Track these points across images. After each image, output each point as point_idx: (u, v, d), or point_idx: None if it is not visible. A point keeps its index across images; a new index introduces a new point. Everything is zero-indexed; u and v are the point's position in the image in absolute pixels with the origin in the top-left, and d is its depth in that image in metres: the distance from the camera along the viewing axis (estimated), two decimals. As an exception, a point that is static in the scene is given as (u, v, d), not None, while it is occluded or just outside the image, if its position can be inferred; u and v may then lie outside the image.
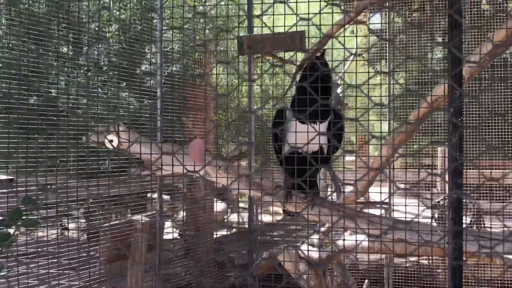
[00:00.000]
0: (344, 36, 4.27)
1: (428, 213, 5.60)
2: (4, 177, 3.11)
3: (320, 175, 4.25)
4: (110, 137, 1.87)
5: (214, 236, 6.35)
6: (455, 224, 1.28)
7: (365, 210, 2.26)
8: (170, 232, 5.74)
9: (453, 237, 1.28)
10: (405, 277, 5.43)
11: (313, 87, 2.17)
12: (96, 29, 5.27)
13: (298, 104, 2.27)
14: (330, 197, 3.95)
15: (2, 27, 4.64)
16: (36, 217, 1.26)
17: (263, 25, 2.90)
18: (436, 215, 5.41)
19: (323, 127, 2.19)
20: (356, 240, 2.87)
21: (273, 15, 2.54)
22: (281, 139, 2.27)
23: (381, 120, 6.04)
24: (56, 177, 3.03)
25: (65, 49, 5.19)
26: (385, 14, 6.32)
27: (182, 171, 1.83)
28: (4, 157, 3.34)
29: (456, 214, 1.29)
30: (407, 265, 5.61)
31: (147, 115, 5.21)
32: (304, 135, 2.06)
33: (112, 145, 1.89)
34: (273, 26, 2.27)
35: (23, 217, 1.21)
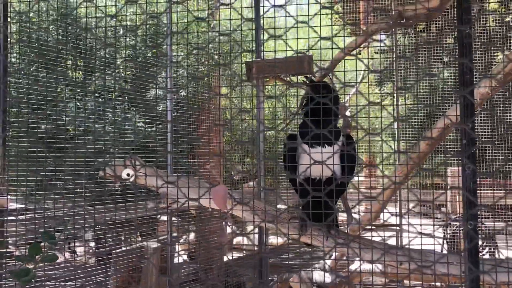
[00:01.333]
0: (356, 57, 4.30)
1: (440, 232, 5.54)
2: (20, 205, 3.14)
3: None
4: (127, 171, 1.89)
5: (225, 259, 6.32)
6: (471, 255, 1.28)
7: (378, 233, 2.25)
8: (180, 255, 5.72)
9: (470, 268, 1.28)
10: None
11: (318, 110, 2.14)
12: (107, 56, 5.36)
13: (305, 128, 2.23)
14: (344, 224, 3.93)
15: (14, 54, 4.73)
16: (53, 251, 1.28)
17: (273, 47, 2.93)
18: (448, 236, 5.36)
19: (330, 152, 2.11)
20: (372, 269, 2.84)
21: (286, 39, 2.58)
22: (294, 169, 2.23)
23: (385, 139, 6.04)
24: (66, 202, 3.05)
25: (75, 75, 5.29)
26: (392, 36, 6.37)
27: (197, 203, 1.84)
28: (19, 184, 3.38)
29: (471, 245, 1.28)
30: None
31: (158, 139, 5.25)
32: (316, 160, 2.03)
33: (129, 180, 1.90)
34: (283, 49, 2.29)
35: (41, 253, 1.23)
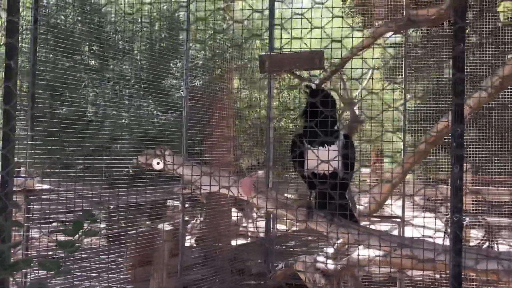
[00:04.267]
0: (362, 58, 4.45)
1: (442, 226, 5.70)
2: (46, 186, 3.37)
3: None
4: (157, 160, 2.10)
5: (232, 244, 6.53)
6: (455, 243, 1.47)
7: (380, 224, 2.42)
8: (188, 239, 5.93)
9: (453, 255, 1.46)
10: (418, 290, 5.54)
11: (316, 113, 2.37)
12: (124, 44, 5.54)
13: (305, 130, 2.48)
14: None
15: (40, 42, 4.92)
16: (95, 228, 1.47)
17: (284, 39, 3.09)
18: (449, 230, 5.51)
19: (332, 150, 2.37)
20: (369, 256, 3.03)
21: (299, 37, 2.74)
22: (301, 164, 2.48)
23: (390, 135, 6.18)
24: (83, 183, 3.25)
25: (92, 62, 5.47)
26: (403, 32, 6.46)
27: (217, 189, 2.04)
28: (43, 166, 3.59)
29: (456, 235, 1.46)
30: (419, 278, 5.72)
31: (172, 127, 5.45)
32: (319, 157, 2.26)
33: (159, 167, 2.12)
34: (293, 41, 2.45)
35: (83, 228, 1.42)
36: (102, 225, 5.95)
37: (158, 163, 2.14)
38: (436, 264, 2.00)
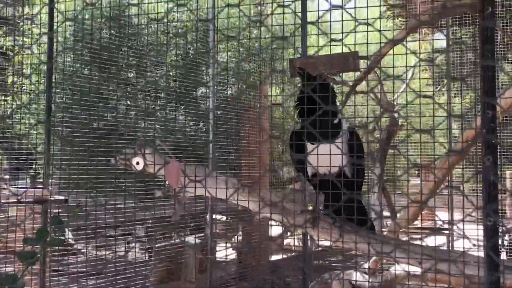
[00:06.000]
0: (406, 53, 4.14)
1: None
2: (61, 197, 3.30)
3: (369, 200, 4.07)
4: (136, 159, 1.92)
5: (270, 259, 6.29)
6: (489, 255, 1.16)
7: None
8: (225, 253, 5.74)
9: (489, 269, 1.15)
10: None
11: (313, 101, 2.03)
12: (156, 55, 5.50)
13: (303, 124, 2.14)
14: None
15: (71, 54, 4.95)
16: (64, 237, 1.30)
17: (319, 33, 2.84)
18: (505, 242, 5.00)
19: (334, 146, 1.99)
20: (409, 271, 2.71)
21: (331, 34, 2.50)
22: (302, 162, 2.16)
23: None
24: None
25: (128, 75, 5.46)
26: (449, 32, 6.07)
27: (205, 193, 1.82)
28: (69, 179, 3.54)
29: (491, 244, 1.16)
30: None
31: (203, 138, 5.32)
32: (322, 157, 1.95)
33: (139, 168, 1.93)
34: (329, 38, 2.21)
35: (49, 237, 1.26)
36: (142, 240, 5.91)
37: (137, 163, 1.95)
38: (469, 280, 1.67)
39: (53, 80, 4.09)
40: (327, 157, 1.98)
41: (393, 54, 3.91)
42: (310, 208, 2.13)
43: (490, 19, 1.18)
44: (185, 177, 1.84)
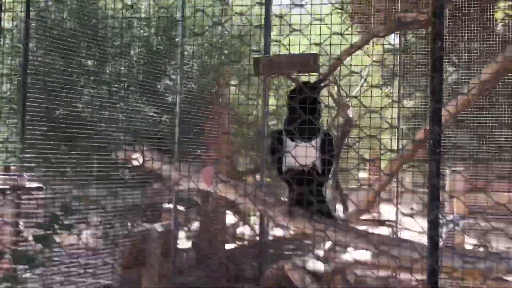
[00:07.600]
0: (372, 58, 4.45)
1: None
2: (34, 184, 3.37)
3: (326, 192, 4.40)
4: (135, 155, 2.10)
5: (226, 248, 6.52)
6: (432, 242, 1.46)
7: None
8: (183, 242, 5.92)
9: (430, 254, 1.45)
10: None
11: (301, 107, 2.39)
12: (120, 44, 5.54)
13: (289, 123, 2.52)
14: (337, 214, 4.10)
15: (32, 42, 4.91)
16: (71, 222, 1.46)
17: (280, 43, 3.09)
18: (443, 235, 5.50)
19: (312, 144, 2.40)
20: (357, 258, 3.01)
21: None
22: (279, 161, 2.50)
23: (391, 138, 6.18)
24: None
25: (89, 63, 5.47)
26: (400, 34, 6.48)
27: (196, 186, 2.04)
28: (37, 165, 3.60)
29: (433, 233, 1.46)
30: (414, 283, 5.68)
31: (166, 129, 5.44)
32: (298, 153, 2.27)
33: (137, 163, 2.12)
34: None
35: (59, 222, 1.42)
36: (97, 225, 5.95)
37: (136, 159, 2.14)
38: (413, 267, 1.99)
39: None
40: (304, 153, 2.33)
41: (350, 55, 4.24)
42: (284, 200, 2.44)
43: (438, 51, 1.45)
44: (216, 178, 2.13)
